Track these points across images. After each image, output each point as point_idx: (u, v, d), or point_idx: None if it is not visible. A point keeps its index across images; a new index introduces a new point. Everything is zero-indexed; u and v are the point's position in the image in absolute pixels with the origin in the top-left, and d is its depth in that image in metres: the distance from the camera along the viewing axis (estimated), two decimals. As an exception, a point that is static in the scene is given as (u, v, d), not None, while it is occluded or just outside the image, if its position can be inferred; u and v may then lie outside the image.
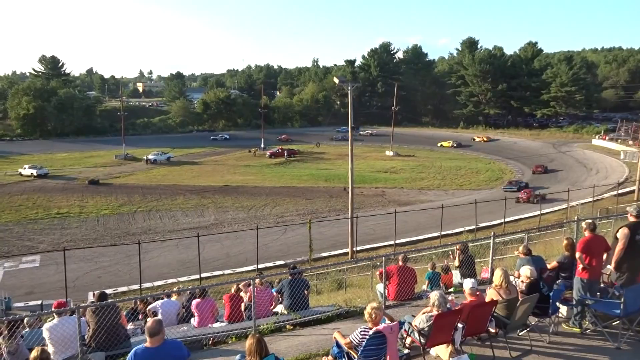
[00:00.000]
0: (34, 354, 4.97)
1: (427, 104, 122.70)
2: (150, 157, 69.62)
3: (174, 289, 12.24)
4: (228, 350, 7.67)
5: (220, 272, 25.70)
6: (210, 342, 8.28)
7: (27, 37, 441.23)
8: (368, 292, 13.42)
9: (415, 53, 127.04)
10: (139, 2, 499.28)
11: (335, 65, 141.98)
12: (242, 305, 9.80)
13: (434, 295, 6.75)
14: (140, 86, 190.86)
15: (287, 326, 8.75)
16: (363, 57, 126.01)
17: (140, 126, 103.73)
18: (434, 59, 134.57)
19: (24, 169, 59.51)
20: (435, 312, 6.52)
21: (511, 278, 7.65)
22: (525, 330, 7.36)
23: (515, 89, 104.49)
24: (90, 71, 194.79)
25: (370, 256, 22.35)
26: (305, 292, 9.85)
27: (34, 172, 58.22)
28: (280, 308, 9.99)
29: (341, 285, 19.24)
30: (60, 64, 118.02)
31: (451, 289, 11.15)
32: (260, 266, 24.51)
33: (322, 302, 13.14)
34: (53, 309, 7.53)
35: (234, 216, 41.10)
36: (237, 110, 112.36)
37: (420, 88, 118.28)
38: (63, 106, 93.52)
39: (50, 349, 6.96)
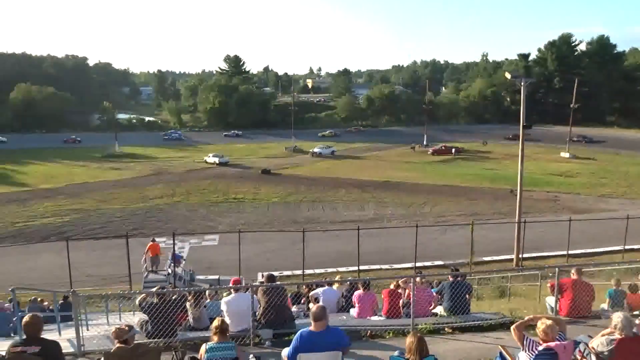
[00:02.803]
0: (215, 323, 5.51)
1: (613, 101, 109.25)
2: (316, 150, 73.07)
3: (336, 278, 12.69)
4: (386, 345, 7.70)
5: (377, 267, 25.99)
6: (368, 333, 8.41)
7: (214, 39, 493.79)
8: (535, 304, 12.47)
9: (602, 44, 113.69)
10: (311, 3, 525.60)
11: (506, 59, 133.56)
12: (401, 301, 9.78)
13: (618, 317, 5.97)
14: (309, 82, 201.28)
15: (446, 329, 8.51)
16: (539, 50, 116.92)
17: (308, 120, 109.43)
18: (624, 50, 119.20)
19: (209, 157, 67.01)
20: (617, 336, 5.78)
21: None
22: None
23: None
24: (266, 69, 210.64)
25: (539, 266, 20.70)
26: (467, 296, 9.48)
27: (217, 160, 65.15)
28: (439, 309, 9.76)
29: (504, 293, 18.16)
30: (242, 63, 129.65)
31: (637, 312, 9.80)
32: (418, 264, 24.23)
33: (483, 308, 12.53)
34: (230, 285, 8.31)
35: (393, 212, 41.19)
36: (400, 107, 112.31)
37: (606, 83, 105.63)
38: (243, 101, 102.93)
39: (227, 320, 7.70)
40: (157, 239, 24.58)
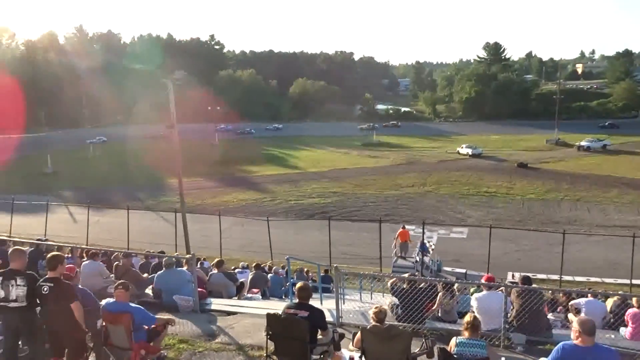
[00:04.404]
0: (467, 318, 5.39)
1: None
2: (583, 143, 65.13)
3: (600, 290, 11.16)
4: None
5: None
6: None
7: (473, 27, 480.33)
8: None
9: None
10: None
11: None
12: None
13: None
14: (579, 67, 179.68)
15: None
16: None
17: (575, 110, 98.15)
18: None
19: (462, 148, 66.05)
20: None
21: None
22: None
23: None
24: (529, 55, 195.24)
25: None
26: None
27: (470, 151, 63.77)
28: None
29: None
30: (502, 50, 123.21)
31: None
32: None
33: None
34: (483, 281, 8.03)
35: (683, 221, 34.12)
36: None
37: None
38: (501, 90, 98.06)
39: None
40: (406, 226, 25.37)
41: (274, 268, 15.64)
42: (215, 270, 11.44)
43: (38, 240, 12.62)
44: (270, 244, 24.54)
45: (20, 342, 6.26)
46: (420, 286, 8.06)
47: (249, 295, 11.96)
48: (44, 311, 5.90)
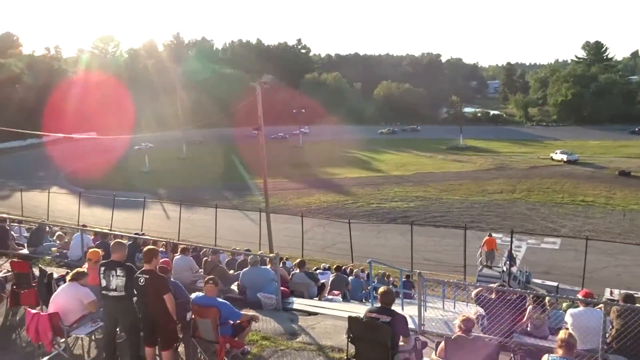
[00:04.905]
0: (561, 335, 5.10)
1: None
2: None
3: None
4: None
5: None
6: None
7: (571, 26, 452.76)
8: None
9: None
10: None
11: None
12: None
13: None
14: None
15: None
16: None
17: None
18: None
19: (556, 153, 62.41)
20: None
21: None
22: None
23: None
24: (634, 54, 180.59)
25: None
26: None
27: (564, 157, 60.10)
28: None
29: None
30: (604, 49, 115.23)
31: None
32: None
33: None
34: (579, 297, 7.51)
35: None
36: None
37: None
38: (601, 92, 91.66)
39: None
40: (493, 234, 24.37)
41: (355, 271, 15.63)
42: (297, 270, 11.63)
43: (136, 234, 13.50)
44: (351, 246, 24.58)
45: (118, 329, 6.73)
46: (509, 298, 7.69)
47: (330, 296, 12.03)
48: (140, 301, 6.28)
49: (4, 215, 15.30)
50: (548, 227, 34.88)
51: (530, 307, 7.82)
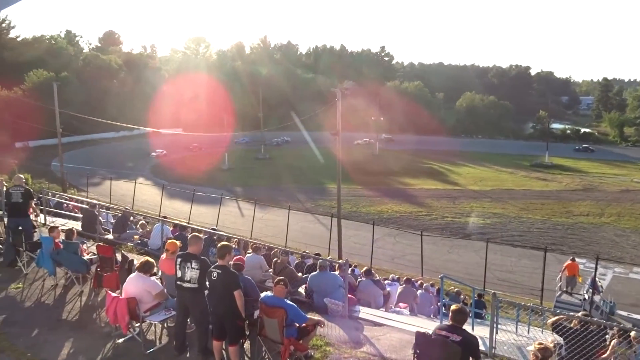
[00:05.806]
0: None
1: None
2: None
3: None
4: None
5: None
6: None
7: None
8: None
9: None
10: None
11: None
12: None
13: None
14: None
15: None
16: None
17: None
18: None
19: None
20: None
21: None
22: None
23: None
24: None
25: None
26: None
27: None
28: None
29: None
30: None
31: None
32: None
33: None
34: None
35: None
36: None
37: None
38: None
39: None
40: (576, 259, 22.92)
41: (424, 285, 15.24)
42: (364, 278, 11.51)
43: (212, 229, 13.96)
44: (422, 258, 24.04)
45: (189, 320, 6.96)
46: (591, 328, 7.15)
47: (397, 308, 11.80)
48: (210, 295, 6.46)
49: (94, 202, 16.40)
50: (639, 256, 32.35)
51: (614, 341, 7.24)
